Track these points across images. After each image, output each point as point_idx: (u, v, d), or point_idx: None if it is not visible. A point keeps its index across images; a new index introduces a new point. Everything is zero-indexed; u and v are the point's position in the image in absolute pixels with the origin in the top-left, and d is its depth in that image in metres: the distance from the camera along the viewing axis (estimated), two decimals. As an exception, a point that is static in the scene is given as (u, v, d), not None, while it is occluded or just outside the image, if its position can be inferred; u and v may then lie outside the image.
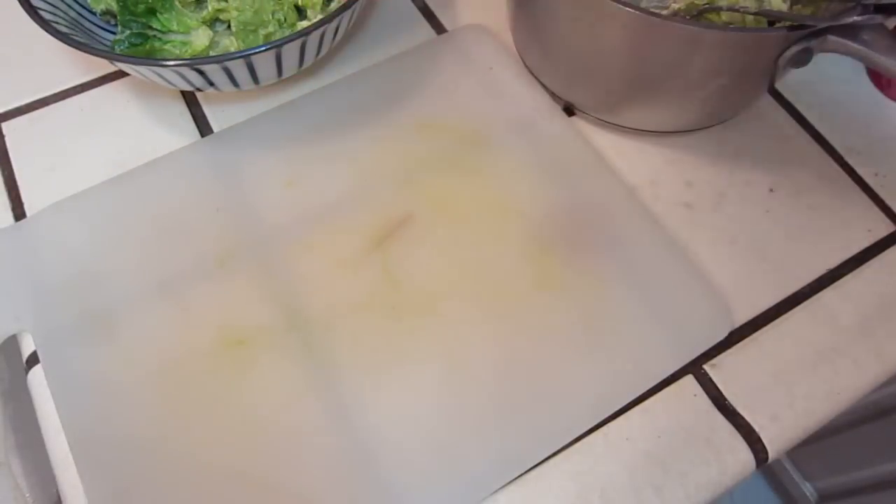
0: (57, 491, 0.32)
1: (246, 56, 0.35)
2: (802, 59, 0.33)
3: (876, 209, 0.40)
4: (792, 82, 0.44)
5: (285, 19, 0.41)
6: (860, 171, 0.41)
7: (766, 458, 0.32)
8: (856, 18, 0.30)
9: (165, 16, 0.41)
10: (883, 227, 0.39)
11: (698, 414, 0.33)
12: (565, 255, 0.36)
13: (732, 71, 0.35)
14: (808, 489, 0.84)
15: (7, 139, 0.41)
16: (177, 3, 0.41)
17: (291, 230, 0.37)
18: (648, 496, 0.31)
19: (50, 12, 0.37)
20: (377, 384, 0.33)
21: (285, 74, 0.39)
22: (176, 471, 0.31)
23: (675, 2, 0.38)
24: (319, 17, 0.41)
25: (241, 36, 0.40)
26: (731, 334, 0.35)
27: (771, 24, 0.36)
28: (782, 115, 0.43)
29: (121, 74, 0.44)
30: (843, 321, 0.36)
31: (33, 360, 0.34)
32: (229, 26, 0.42)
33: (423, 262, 0.35)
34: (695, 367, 0.34)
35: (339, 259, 0.36)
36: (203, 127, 0.42)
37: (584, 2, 0.34)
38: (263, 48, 0.34)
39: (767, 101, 0.44)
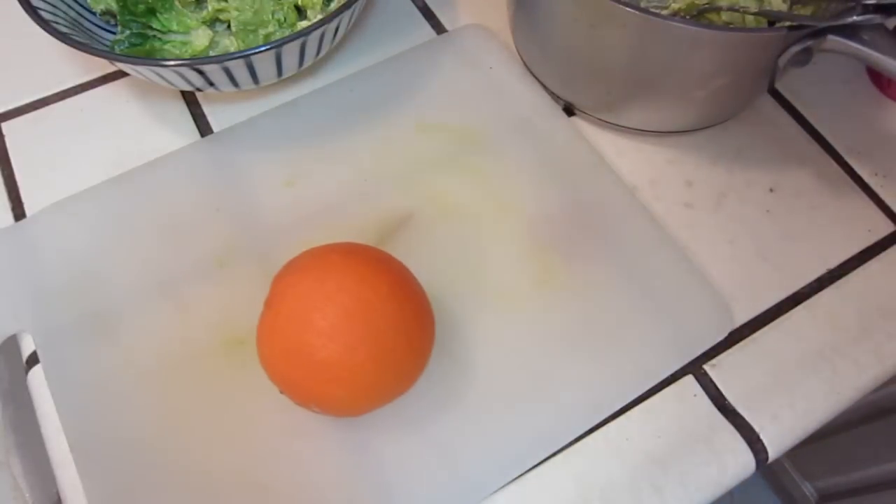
0: (57, 491, 0.31)
1: (246, 56, 0.35)
2: (802, 59, 0.33)
3: (876, 209, 0.40)
4: (792, 82, 0.44)
5: (285, 19, 0.41)
6: (860, 171, 0.41)
7: (766, 458, 0.32)
8: (856, 18, 0.30)
9: (165, 16, 0.41)
10: (883, 227, 0.39)
11: (698, 414, 0.33)
12: (565, 255, 0.36)
13: (732, 71, 0.35)
14: (808, 489, 0.84)
15: (7, 139, 0.41)
16: (177, 3, 0.41)
17: (291, 230, 0.37)
18: (648, 496, 0.31)
19: (50, 12, 0.37)
20: (377, 384, 0.33)
21: (285, 74, 0.39)
22: (176, 471, 0.31)
23: (675, 2, 0.38)
24: (319, 17, 0.41)
25: (241, 36, 0.40)
26: (731, 334, 0.35)
27: (771, 24, 0.36)
28: (782, 115, 0.43)
29: (121, 74, 0.44)
30: (843, 321, 0.36)
31: (33, 360, 0.34)
32: (229, 26, 0.42)
33: (423, 261, 0.34)
34: (695, 367, 0.34)
35: (339, 259, 0.36)
36: (203, 127, 0.42)
37: (584, 2, 0.34)
38: (263, 48, 0.34)
39: (767, 101, 0.44)
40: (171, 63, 0.34)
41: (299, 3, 0.42)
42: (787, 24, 0.31)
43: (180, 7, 0.41)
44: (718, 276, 0.37)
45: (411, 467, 0.31)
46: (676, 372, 0.34)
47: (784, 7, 0.37)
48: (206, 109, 0.42)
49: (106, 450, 0.31)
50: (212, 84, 0.37)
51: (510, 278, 0.36)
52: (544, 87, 0.43)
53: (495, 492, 0.31)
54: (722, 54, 0.33)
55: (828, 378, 0.34)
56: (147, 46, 0.41)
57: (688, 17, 0.38)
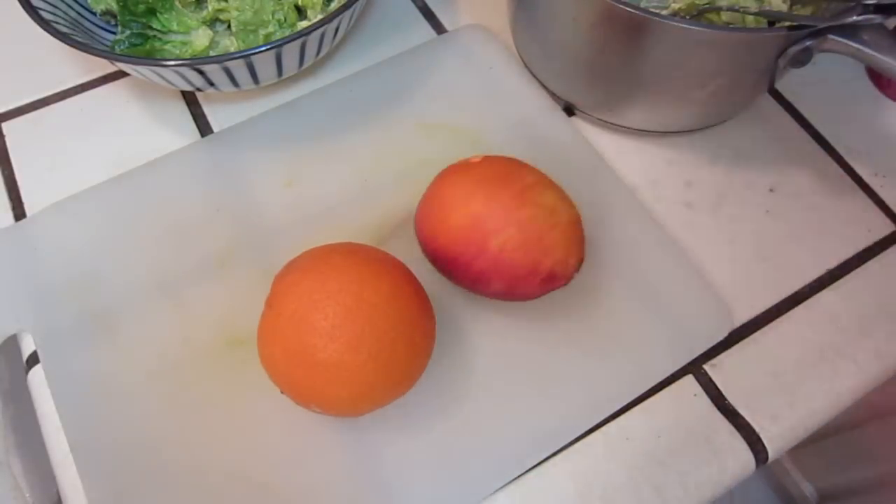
0: (57, 491, 0.32)
1: (246, 56, 0.35)
2: (802, 59, 0.33)
3: (876, 209, 0.40)
4: (792, 82, 0.44)
5: (285, 19, 0.41)
6: (860, 171, 0.41)
7: (766, 458, 0.32)
8: (856, 18, 0.30)
9: (165, 16, 0.41)
10: (883, 227, 0.39)
11: (698, 414, 0.33)
12: (565, 255, 0.36)
13: (732, 71, 0.35)
14: (808, 489, 0.84)
15: (7, 139, 0.41)
16: (177, 3, 0.41)
17: (291, 230, 0.37)
18: (648, 496, 0.31)
19: (50, 12, 0.37)
20: (377, 384, 0.33)
21: (285, 74, 0.39)
22: (176, 471, 0.31)
23: (675, 2, 0.38)
24: (319, 17, 0.41)
25: (241, 36, 0.40)
26: (731, 334, 0.35)
27: (771, 24, 0.36)
28: (782, 115, 0.43)
29: (121, 74, 0.44)
30: (843, 321, 0.36)
31: (33, 360, 0.34)
32: (229, 26, 0.42)
33: (424, 261, 0.35)
34: (695, 367, 0.34)
35: (339, 259, 0.36)
36: (203, 127, 0.42)
37: (584, 2, 0.34)
38: (263, 48, 0.34)
39: (767, 101, 0.44)
40: (172, 63, 0.34)
41: (299, 3, 0.42)
42: (787, 24, 0.31)
43: (180, 7, 0.41)
44: (718, 276, 0.37)
45: (411, 467, 0.31)
46: (676, 372, 0.34)
47: (784, 7, 0.37)
48: (206, 109, 0.42)
49: (106, 450, 0.31)
50: (212, 84, 0.37)
51: (510, 278, 0.36)
52: (544, 87, 0.43)
53: (495, 492, 0.31)
54: (722, 54, 0.33)
55: (828, 378, 0.34)
56: (147, 46, 0.41)
57: (688, 17, 0.38)
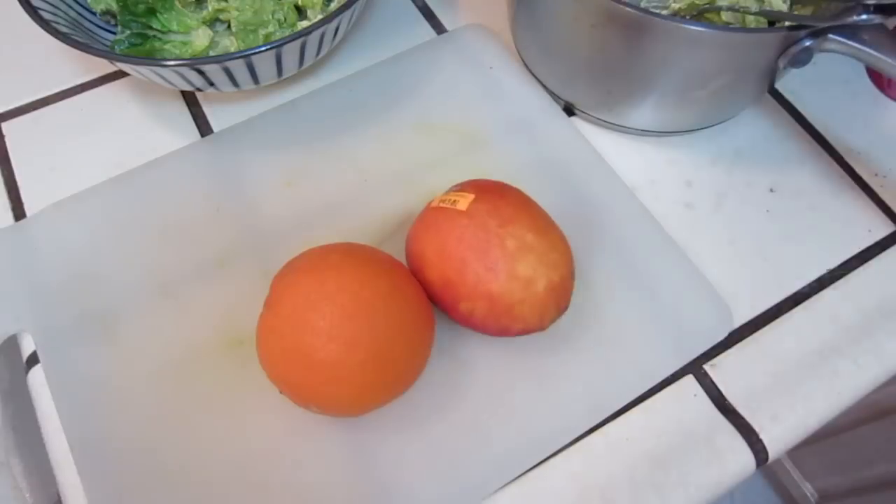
0: (57, 491, 0.32)
1: (246, 56, 0.35)
2: (802, 59, 0.33)
3: (876, 209, 0.40)
4: (792, 82, 0.44)
5: (285, 19, 0.41)
6: (860, 171, 0.41)
7: (766, 458, 0.32)
8: (856, 18, 0.30)
9: (165, 16, 0.41)
10: (883, 227, 0.39)
11: (698, 414, 0.33)
12: (565, 255, 0.36)
13: (732, 71, 0.35)
14: (808, 489, 0.84)
15: (7, 139, 0.41)
16: (177, 3, 0.41)
17: (291, 230, 0.37)
18: (648, 496, 0.31)
19: (50, 12, 0.37)
20: (377, 384, 0.33)
21: (285, 74, 0.39)
22: (175, 470, 0.31)
23: (675, 2, 0.38)
24: (319, 17, 0.41)
25: (241, 36, 0.40)
26: (731, 334, 0.35)
27: (771, 24, 0.36)
28: (782, 115, 0.43)
29: (121, 74, 0.44)
30: (843, 321, 0.36)
31: (33, 360, 0.34)
32: (229, 26, 0.42)
33: (423, 262, 0.35)
34: (695, 367, 0.34)
35: (339, 259, 0.36)
36: (203, 127, 0.42)
37: (584, 2, 0.34)
38: (263, 48, 0.34)
39: (767, 101, 0.44)
40: (171, 63, 0.34)
41: (299, 3, 0.42)
42: (787, 24, 0.31)
43: (180, 7, 0.41)
44: (718, 277, 0.37)
45: (411, 467, 0.31)
46: (676, 372, 0.34)
47: (784, 7, 0.37)
48: (206, 109, 0.42)
49: (106, 450, 0.31)
50: (212, 84, 0.37)
51: (510, 278, 0.36)
52: (544, 87, 0.43)
53: (495, 492, 0.31)
54: (722, 54, 0.33)
55: (828, 378, 0.34)
56: (147, 46, 0.41)
57: (688, 17, 0.38)
